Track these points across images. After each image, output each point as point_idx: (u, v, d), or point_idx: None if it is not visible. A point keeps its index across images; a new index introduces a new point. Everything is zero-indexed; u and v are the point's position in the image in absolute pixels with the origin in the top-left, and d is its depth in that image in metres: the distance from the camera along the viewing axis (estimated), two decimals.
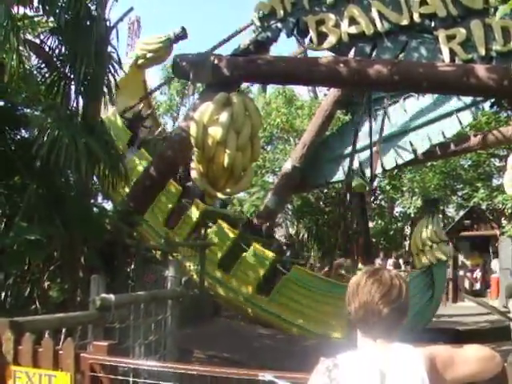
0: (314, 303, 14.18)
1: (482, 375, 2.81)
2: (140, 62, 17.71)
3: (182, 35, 16.83)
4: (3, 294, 8.01)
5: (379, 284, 2.71)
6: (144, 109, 18.04)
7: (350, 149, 17.76)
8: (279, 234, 29.56)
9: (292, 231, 31.01)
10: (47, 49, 9.62)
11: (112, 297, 6.35)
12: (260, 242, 15.25)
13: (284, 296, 14.38)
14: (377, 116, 18.10)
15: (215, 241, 14.74)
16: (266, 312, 14.40)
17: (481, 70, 9.42)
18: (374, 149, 17.47)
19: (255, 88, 34.73)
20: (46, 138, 7.90)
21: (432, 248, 14.51)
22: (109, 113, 14.21)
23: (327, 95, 18.73)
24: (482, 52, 9.58)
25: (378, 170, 18.42)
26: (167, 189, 14.55)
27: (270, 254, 14.61)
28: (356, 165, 17.86)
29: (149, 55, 17.53)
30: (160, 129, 19.49)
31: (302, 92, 33.37)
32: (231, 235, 14.75)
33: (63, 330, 5.91)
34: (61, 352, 4.09)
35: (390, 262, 26.96)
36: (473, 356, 2.78)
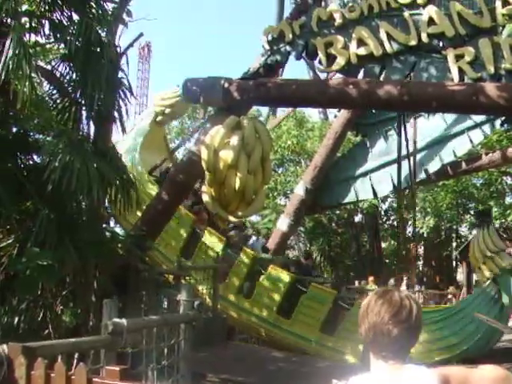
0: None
1: None
2: (159, 118, 17.61)
3: None
4: (16, 319, 8.03)
5: (389, 305, 2.69)
6: (169, 165, 17.84)
7: (363, 169, 17.80)
8: (292, 255, 29.55)
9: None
10: (58, 75, 9.73)
11: (124, 321, 6.34)
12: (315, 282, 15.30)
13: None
14: (388, 136, 18.12)
15: (267, 285, 14.82)
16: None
17: (490, 88, 9.41)
18: (387, 169, 17.52)
19: (265, 110, 34.94)
20: (57, 163, 7.95)
21: (493, 258, 14.34)
22: (136, 173, 14.02)
23: (337, 117, 18.78)
24: (491, 70, 9.58)
25: (389, 189, 18.42)
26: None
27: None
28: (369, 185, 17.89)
29: (167, 111, 17.40)
30: None
31: (312, 114, 33.51)
32: (286, 279, 14.77)
33: (75, 355, 5.92)
34: (73, 377, 4.08)
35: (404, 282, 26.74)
36: (488, 376, 2.75)
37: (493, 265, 14.20)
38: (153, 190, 15.04)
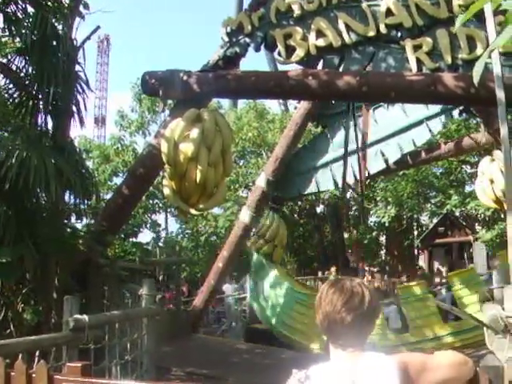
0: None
1: (456, 381, 2.82)
2: None
3: None
4: None
5: (340, 293, 2.73)
6: None
7: (323, 160, 17.85)
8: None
9: None
10: (15, 68, 9.58)
11: (86, 317, 6.30)
12: None
13: None
14: (349, 127, 18.21)
15: None
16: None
17: (448, 78, 9.50)
18: (348, 159, 17.61)
19: (226, 103, 34.87)
20: (14, 160, 7.83)
21: None
22: None
23: (298, 108, 18.79)
24: (449, 60, 9.67)
25: (350, 179, 18.52)
26: None
27: None
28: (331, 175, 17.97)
29: None
30: None
31: (272, 106, 33.55)
32: None
33: (37, 353, 5.85)
34: (34, 375, 4.03)
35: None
36: (445, 362, 2.79)
37: None
38: None
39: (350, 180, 18.68)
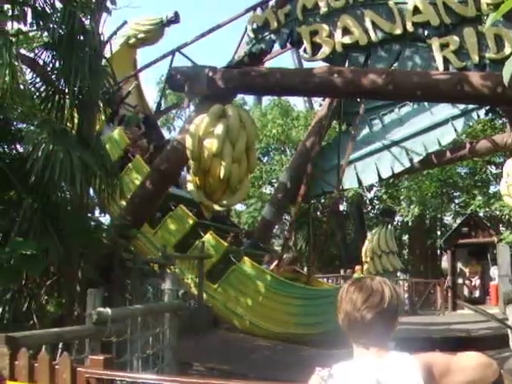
0: (260, 297, 14.16)
1: (480, 382, 2.79)
2: (131, 41, 18.17)
3: (175, 19, 17.22)
4: (1, 310, 7.99)
5: (360, 291, 2.72)
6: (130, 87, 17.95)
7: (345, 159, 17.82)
8: (277, 244, 29.56)
9: (290, 242, 31.02)
10: (42, 63, 9.64)
11: (109, 311, 6.33)
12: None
13: (231, 286, 14.38)
14: (372, 125, 18.16)
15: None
16: (214, 299, 14.45)
17: (474, 77, 9.44)
18: (372, 158, 17.60)
19: (251, 99, 34.87)
20: (40, 153, 7.89)
21: (380, 258, 14.49)
22: None
23: (322, 105, 18.77)
24: (476, 60, 9.60)
25: (374, 178, 18.45)
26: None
27: (224, 244, 14.64)
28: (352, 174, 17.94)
29: (140, 35, 18.02)
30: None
31: (297, 103, 33.48)
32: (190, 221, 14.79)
33: (60, 345, 5.90)
34: (57, 367, 4.07)
35: None
36: (470, 363, 2.77)
37: (378, 263, 14.33)
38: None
39: (374, 179, 18.64)
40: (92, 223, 9.87)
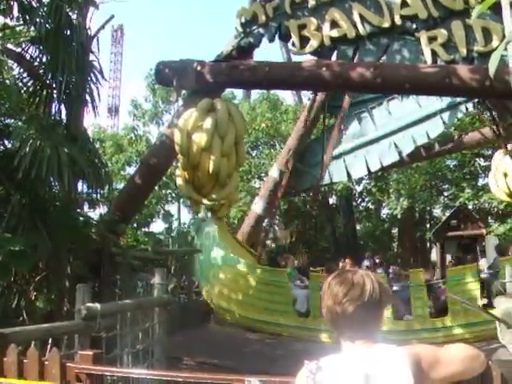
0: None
1: (468, 374, 2.81)
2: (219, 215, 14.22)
3: None
4: None
5: (341, 284, 2.74)
6: None
7: (336, 152, 17.83)
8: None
9: (280, 236, 31.07)
10: (29, 58, 9.60)
11: (98, 306, 6.33)
12: None
13: None
14: (361, 119, 18.19)
15: None
16: None
17: (463, 70, 9.45)
18: (361, 151, 17.63)
19: (239, 93, 34.85)
20: (28, 149, 7.86)
21: None
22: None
23: (311, 99, 18.77)
24: (464, 53, 9.61)
25: (363, 171, 18.48)
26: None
27: None
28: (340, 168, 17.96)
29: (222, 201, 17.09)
30: None
31: (286, 96, 33.49)
32: None
33: (49, 341, 5.89)
34: (46, 362, 4.06)
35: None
36: (458, 355, 2.78)
37: None
38: None
39: (363, 172, 18.67)
40: (81, 218, 9.85)
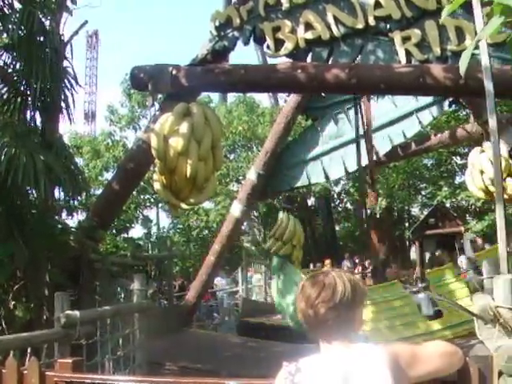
0: None
1: (446, 370, 2.84)
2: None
3: None
4: None
5: (313, 286, 2.74)
6: None
7: (314, 153, 17.81)
8: (247, 241, 29.62)
9: (260, 238, 31.06)
10: (2, 64, 9.54)
11: (77, 313, 6.30)
12: None
13: None
14: (338, 119, 18.22)
15: None
16: None
17: (436, 69, 9.50)
18: (339, 152, 17.67)
19: (216, 97, 34.80)
20: (3, 157, 7.81)
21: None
22: None
23: (287, 101, 18.77)
24: (438, 52, 9.67)
25: (341, 172, 18.50)
26: None
27: None
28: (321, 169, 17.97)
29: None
30: None
31: (262, 99, 33.53)
32: None
33: (29, 350, 5.85)
34: (25, 372, 4.03)
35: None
36: (436, 352, 2.80)
37: None
38: None
39: (341, 173, 18.72)
40: (58, 226, 9.80)
